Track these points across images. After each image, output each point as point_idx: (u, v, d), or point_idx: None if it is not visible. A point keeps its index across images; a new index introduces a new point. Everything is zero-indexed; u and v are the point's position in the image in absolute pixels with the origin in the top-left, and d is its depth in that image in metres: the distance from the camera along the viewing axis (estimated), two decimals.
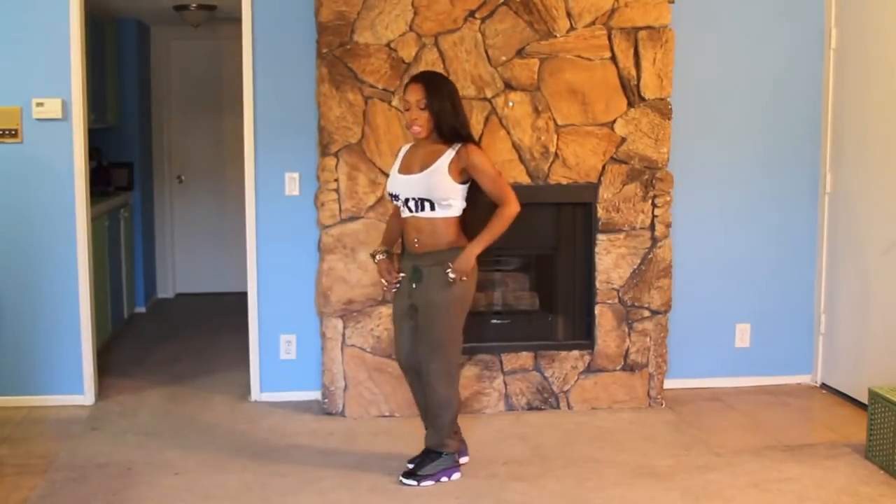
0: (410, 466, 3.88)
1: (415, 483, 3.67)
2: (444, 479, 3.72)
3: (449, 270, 3.58)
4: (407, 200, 3.64)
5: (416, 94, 3.61)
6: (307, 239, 4.69)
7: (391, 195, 3.74)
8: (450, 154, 3.61)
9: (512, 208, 3.62)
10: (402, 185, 3.67)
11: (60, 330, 4.70)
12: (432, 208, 3.60)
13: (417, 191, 3.61)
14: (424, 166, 3.62)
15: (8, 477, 3.78)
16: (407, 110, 3.65)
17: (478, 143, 3.76)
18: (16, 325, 4.68)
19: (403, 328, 3.79)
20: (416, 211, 3.63)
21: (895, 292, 4.52)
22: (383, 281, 3.79)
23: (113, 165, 6.84)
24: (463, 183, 3.62)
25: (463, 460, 3.92)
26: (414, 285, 3.70)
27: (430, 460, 3.74)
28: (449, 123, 3.61)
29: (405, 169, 3.70)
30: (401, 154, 3.81)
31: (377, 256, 3.80)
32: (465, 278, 3.61)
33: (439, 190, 3.58)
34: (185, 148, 7.69)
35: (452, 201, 3.61)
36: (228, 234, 7.34)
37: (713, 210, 5.02)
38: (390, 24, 4.46)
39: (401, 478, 3.70)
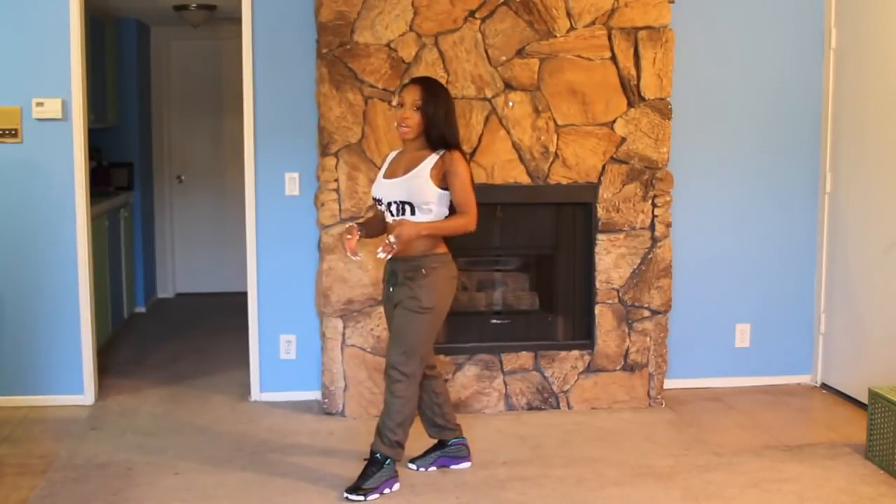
0: (413, 466, 3.89)
1: (361, 498, 3.56)
2: (387, 490, 3.62)
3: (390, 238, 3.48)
4: (389, 204, 3.63)
5: (412, 95, 3.61)
6: (307, 239, 4.69)
7: (375, 199, 3.73)
8: (433, 158, 3.60)
9: (470, 222, 3.60)
10: (384, 188, 3.66)
11: (60, 330, 4.70)
12: (412, 212, 3.58)
13: (399, 194, 3.59)
14: (407, 170, 3.62)
15: (8, 477, 3.78)
16: (400, 106, 3.64)
17: (464, 153, 3.73)
18: (16, 325, 4.68)
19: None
20: (397, 214, 3.61)
21: (895, 292, 4.52)
22: (344, 240, 3.65)
23: (113, 165, 6.84)
24: (444, 189, 3.59)
25: (464, 465, 3.92)
26: (392, 289, 3.70)
27: (373, 472, 3.61)
28: (438, 130, 3.59)
29: (390, 174, 3.69)
30: (387, 160, 3.80)
31: (349, 223, 3.70)
32: (387, 254, 3.46)
33: (420, 194, 3.56)
34: (185, 148, 7.69)
35: (433, 206, 3.58)
36: (228, 234, 7.34)
37: (713, 210, 5.02)
38: (390, 24, 4.46)
39: (346, 494, 3.58)
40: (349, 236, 3.63)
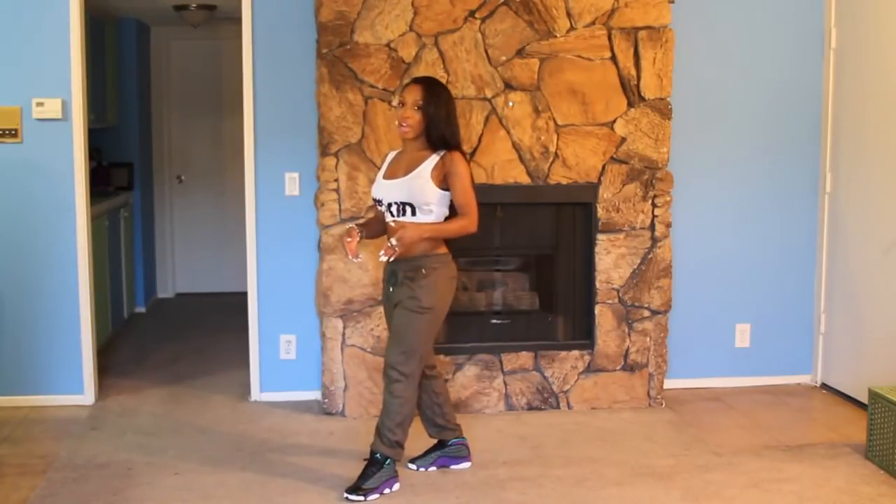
0: (413, 466, 3.89)
1: (361, 498, 3.56)
2: (387, 490, 3.62)
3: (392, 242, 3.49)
4: (390, 205, 3.63)
5: (413, 94, 3.60)
6: (307, 239, 4.70)
7: (375, 200, 3.73)
8: (434, 159, 3.59)
9: (471, 223, 3.60)
10: (385, 189, 3.66)
11: (60, 330, 4.70)
12: (413, 213, 3.58)
13: (399, 195, 3.59)
14: (408, 171, 3.61)
15: (8, 477, 3.78)
16: (401, 106, 3.64)
17: (465, 154, 3.72)
18: (16, 325, 4.68)
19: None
20: (398, 215, 3.60)
21: (895, 292, 4.52)
22: (345, 243, 3.66)
23: (113, 165, 6.84)
24: (445, 189, 3.59)
25: (464, 465, 3.92)
26: (392, 289, 3.70)
27: (373, 472, 3.61)
28: (439, 130, 3.59)
29: (390, 174, 3.69)
30: (387, 160, 3.80)
31: (349, 224, 3.69)
32: (389, 257, 3.48)
33: (421, 195, 3.56)
34: (185, 148, 7.70)
35: (433, 207, 3.58)
36: (228, 234, 7.34)
37: (713, 210, 5.02)
38: (390, 24, 4.46)
39: (346, 494, 3.57)
40: (349, 238, 3.63)
